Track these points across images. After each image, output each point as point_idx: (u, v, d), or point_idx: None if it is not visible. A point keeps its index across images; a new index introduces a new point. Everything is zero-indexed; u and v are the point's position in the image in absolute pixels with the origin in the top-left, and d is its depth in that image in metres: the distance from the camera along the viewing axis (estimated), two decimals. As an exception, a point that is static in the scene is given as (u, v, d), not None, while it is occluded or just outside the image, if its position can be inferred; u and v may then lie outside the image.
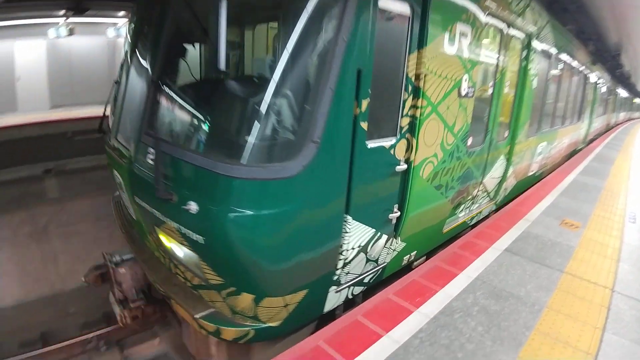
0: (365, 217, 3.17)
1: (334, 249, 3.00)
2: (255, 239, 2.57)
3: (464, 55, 3.74)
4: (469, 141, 4.25)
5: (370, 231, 3.28)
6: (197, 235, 2.60)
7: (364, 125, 2.86)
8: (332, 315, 3.45)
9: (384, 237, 3.48)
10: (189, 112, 3.06)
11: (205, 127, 2.90)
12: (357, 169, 2.90)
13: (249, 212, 2.47)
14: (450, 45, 3.49)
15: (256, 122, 2.52)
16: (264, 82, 2.59)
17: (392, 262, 3.77)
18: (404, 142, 3.30)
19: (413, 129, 3.32)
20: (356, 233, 3.13)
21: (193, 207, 2.50)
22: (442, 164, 3.81)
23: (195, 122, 3.00)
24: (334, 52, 2.55)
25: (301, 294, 2.98)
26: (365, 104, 2.82)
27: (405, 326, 2.97)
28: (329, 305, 3.33)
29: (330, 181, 2.79)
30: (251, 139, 2.51)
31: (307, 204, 2.70)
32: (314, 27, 2.53)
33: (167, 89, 3.03)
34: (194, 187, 2.62)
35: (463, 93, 3.83)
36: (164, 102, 3.02)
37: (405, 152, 3.35)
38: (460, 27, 3.56)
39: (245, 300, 2.82)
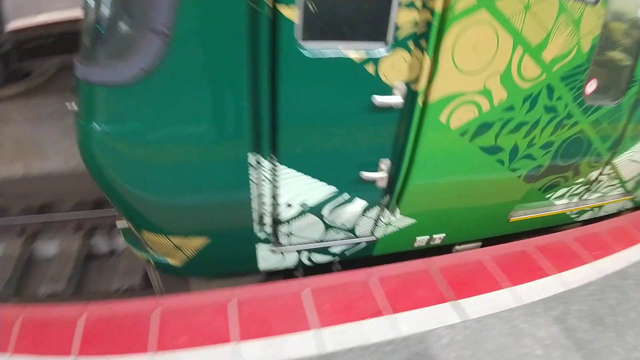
0: (309, 166, 2.27)
1: (240, 199, 2.30)
2: (95, 156, 2.02)
3: None
4: (589, 87, 2.58)
5: (324, 188, 2.41)
6: None
7: (289, 11, 1.73)
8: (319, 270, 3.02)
9: (360, 202, 2.56)
10: None
11: None
12: (284, 87, 1.91)
13: (87, 122, 1.90)
14: None
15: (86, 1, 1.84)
16: None
17: (389, 239, 2.89)
18: (403, 55, 1.99)
19: (428, 35, 1.94)
20: (288, 184, 2.30)
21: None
22: (504, 113, 2.34)
23: None
24: None
25: (199, 241, 2.52)
26: None
27: (576, 273, 2.95)
28: (266, 264, 2.81)
29: (210, 101, 1.89)
30: (85, 25, 1.88)
31: (160, 126, 1.93)
32: None
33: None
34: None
35: None
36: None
37: (407, 74, 2.06)
38: None
39: (129, 225, 2.55)
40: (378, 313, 2.49)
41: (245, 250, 2.66)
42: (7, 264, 3.72)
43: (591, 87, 2.62)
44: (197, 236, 2.49)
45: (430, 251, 3.09)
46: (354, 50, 1.92)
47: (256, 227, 2.48)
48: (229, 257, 2.75)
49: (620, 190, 3.75)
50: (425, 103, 2.15)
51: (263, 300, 2.53)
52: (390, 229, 2.81)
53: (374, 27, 1.91)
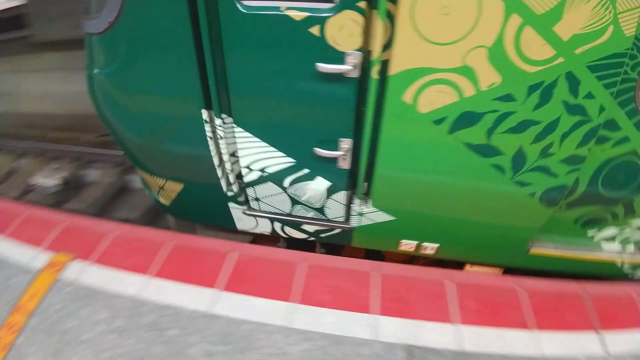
0: (264, 132, 2.18)
1: (201, 153, 2.33)
2: (94, 96, 2.39)
3: None
4: None
5: (282, 158, 2.28)
6: None
7: None
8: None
9: (322, 182, 2.34)
10: None
11: None
12: (228, 48, 1.88)
13: (87, 66, 2.30)
14: None
15: None
16: None
17: (366, 233, 2.61)
18: (353, 16, 1.68)
19: None
20: (245, 147, 2.27)
21: None
22: (499, 104, 1.78)
23: None
24: None
25: (177, 186, 2.70)
26: None
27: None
28: (242, 225, 2.85)
29: (160, 56, 2.02)
30: None
31: (127, 73, 2.15)
32: None
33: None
34: None
35: None
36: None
37: (361, 40, 1.74)
38: None
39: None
40: (523, 326, 2.34)
41: (218, 206, 2.74)
42: (97, 189, 4.53)
43: None
44: (174, 181, 2.70)
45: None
46: (295, 9, 1.71)
47: (224, 185, 2.53)
48: (206, 209, 2.89)
49: None
50: (383, 77, 1.81)
51: (406, 281, 2.54)
52: (366, 221, 2.53)
53: None
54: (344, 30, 1.73)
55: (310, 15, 1.71)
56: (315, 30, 1.74)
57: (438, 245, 2.62)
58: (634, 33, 1.59)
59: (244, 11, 1.76)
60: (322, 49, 1.78)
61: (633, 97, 1.81)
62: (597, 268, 2.65)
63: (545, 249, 2.54)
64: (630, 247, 2.55)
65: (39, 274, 2.63)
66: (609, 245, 2.54)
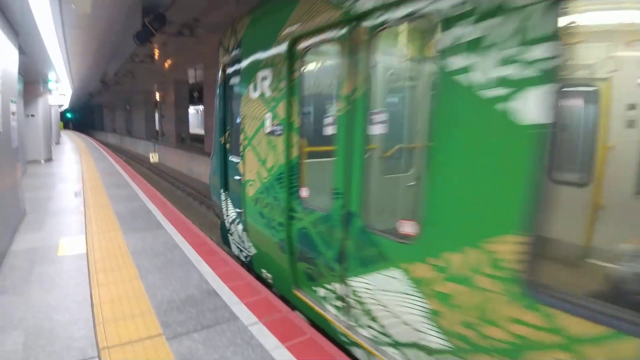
0: (231, 198, 4.74)
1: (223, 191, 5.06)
2: None
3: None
4: (303, 192, 3.25)
5: (232, 209, 4.69)
6: None
7: (228, 146, 4.93)
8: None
9: (241, 226, 4.43)
10: None
11: None
12: (228, 168, 4.86)
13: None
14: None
15: None
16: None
17: (254, 260, 4.29)
18: (242, 162, 4.22)
19: (243, 155, 4.18)
20: (227, 201, 4.91)
21: None
22: (260, 194, 3.85)
23: None
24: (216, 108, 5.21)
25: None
26: (226, 135, 4.95)
27: None
28: (227, 221, 5.00)
29: (217, 170, 5.22)
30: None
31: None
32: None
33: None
34: None
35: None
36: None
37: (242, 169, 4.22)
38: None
39: None
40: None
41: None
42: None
43: (304, 193, 3.29)
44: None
45: None
46: (235, 159, 4.79)
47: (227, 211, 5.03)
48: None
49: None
50: (243, 180, 4.32)
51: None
52: (250, 252, 4.26)
53: (238, 152, 4.50)
54: (241, 165, 4.38)
55: (237, 161, 4.56)
56: (238, 165, 4.44)
57: (271, 275, 3.91)
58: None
59: (230, 159, 5.12)
60: (238, 171, 4.45)
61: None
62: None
63: (300, 291, 3.40)
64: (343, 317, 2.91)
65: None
66: (332, 309, 3.01)
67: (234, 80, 4.41)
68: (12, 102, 5.60)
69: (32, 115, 14.02)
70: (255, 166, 3.77)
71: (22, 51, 7.59)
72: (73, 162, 14.85)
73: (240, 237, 4.43)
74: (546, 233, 1.71)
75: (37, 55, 9.02)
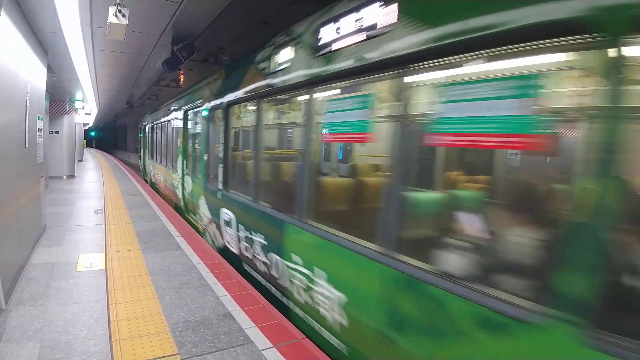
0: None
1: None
2: None
3: None
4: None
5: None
6: None
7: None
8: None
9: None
10: None
11: None
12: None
13: None
14: None
15: None
16: None
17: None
18: None
19: None
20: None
21: None
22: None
23: None
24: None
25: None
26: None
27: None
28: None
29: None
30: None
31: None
32: None
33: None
34: None
35: None
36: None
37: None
38: None
39: None
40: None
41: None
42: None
43: None
44: None
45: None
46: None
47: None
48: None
49: None
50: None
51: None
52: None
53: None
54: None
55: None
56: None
57: None
58: None
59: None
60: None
61: None
62: None
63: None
64: None
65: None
66: None
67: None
68: (39, 119, 5.80)
69: (57, 132, 14.55)
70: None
71: (50, 70, 7.93)
72: (95, 179, 15.23)
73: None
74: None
75: (65, 75, 9.38)
